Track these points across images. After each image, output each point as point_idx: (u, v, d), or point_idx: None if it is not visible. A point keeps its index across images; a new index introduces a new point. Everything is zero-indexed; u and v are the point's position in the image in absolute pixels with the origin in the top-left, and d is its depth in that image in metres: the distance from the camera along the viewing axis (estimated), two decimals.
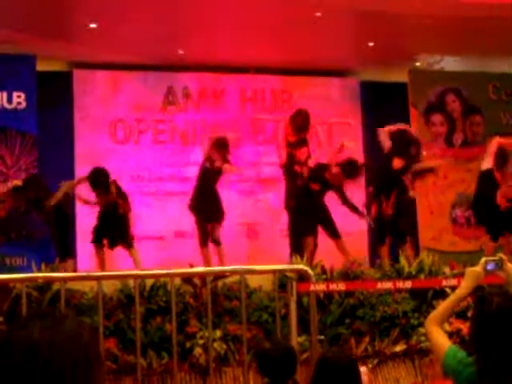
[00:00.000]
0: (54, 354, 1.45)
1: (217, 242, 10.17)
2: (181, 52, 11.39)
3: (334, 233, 10.25)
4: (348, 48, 11.76)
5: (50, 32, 10.34)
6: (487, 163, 10.34)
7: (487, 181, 10.29)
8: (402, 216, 10.39)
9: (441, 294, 8.40)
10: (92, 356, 1.51)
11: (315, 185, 10.14)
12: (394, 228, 10.32)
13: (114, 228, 9.78)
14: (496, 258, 3.78)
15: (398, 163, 10.23)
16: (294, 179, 10.48)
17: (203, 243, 10.15)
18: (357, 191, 11.42)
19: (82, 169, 10.59)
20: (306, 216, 10.08)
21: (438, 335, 3.62)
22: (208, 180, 10.22)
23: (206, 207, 10.16)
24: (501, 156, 10.37)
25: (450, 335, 7.11)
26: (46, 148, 10.72)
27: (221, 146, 10.28)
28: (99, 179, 9.70)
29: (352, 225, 12.09)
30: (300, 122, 10.55)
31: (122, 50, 11.22)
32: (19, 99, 10.67)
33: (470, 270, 3.73)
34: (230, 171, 10.44)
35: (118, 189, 9.85)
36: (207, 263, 9.88)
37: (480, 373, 3.31)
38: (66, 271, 8.74)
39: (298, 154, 10.43)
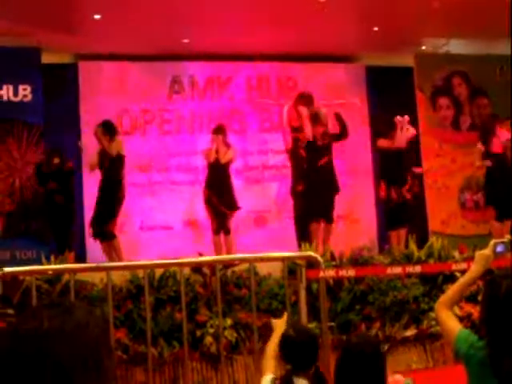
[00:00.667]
0: (64, 343, 1.44)
1: (227, 231, 10.19)
2: (186, 41, 11.36)
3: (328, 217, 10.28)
4: (353, 33, 11.70)
5: (54, 24, 10.32)
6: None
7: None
8: (412, 202, 10.47)
9: (451, 279, 8.38)
10: (102, 345, 1.50)
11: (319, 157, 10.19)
12: (405, 214, 10.37)
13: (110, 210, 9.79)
14: (505, 239, 3.77)
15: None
16: (299, 164, 10.46)
17: (216, 232, 10.16)
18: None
19: (88, 160, 10.58)
20: (313, 201, 10.08)
21: (449, 319, 3.61)
22: (218, 171, 10.21)
23: (220, 197, 10.15)
24: None
25: (461, 319, 7.09)
26: (53, 140, 10.72)
27: (218, 131, 10.31)
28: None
29: (361, 211, 12.11)
30: (304, 106, 10.53)
31: (127, 41, 11.19)
32: (25, 92, 10.66)
33: (479, 254, 3.72)
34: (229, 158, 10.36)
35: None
36: (218, 252, 9.89)
37: (491, 356, 3.31)
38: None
39: (303, 138, 10.41)
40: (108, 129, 9.76)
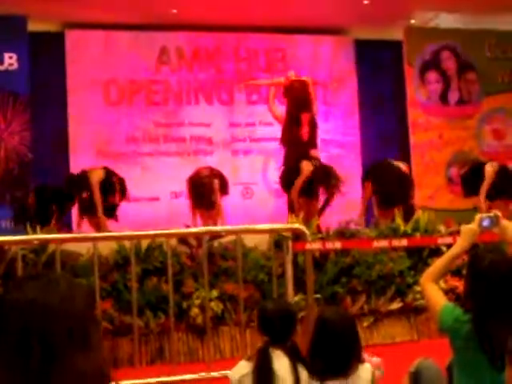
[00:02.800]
0: (49, 315, 1.44)
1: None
2: (174, 11, 11.27)
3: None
4: (343, 6, 11.64)
5: None
6: None
7: None
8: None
9: (436, 253, 8.42)
10: (88, 317, 1.49)
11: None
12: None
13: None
14: (491, 214, 3.77)
15: None
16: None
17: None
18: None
19: (75, 130, 10.53)
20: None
21: (434, 292, 3.63)
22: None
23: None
24: None
25: (446, 293, 7.12)
26: (39, 109, 10.64)
27: None
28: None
29: (348, 184, 12.11)
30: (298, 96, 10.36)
31: (114, 10, 11.10)
32: (11, 60, 10.56)
33: (465, 228, 3.73)
34: None
35: None
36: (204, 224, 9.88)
37: (476, 329, 3.33)
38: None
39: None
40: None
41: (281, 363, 3.78)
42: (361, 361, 3.75)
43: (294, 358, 3.81)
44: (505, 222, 3.76)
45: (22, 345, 1.41)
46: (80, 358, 1.43)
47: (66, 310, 1.45)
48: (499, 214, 3.78)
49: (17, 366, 1.40)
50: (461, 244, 3.69)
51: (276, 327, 3.88)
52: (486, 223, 3.72)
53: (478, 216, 3.78)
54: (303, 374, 3.75)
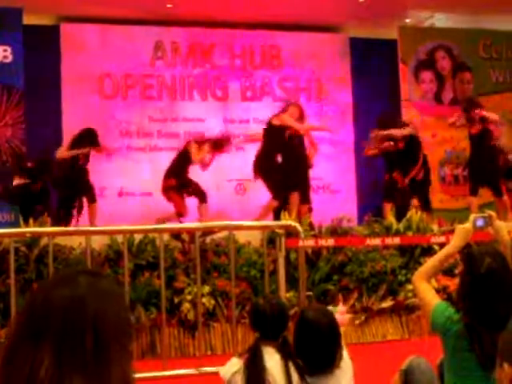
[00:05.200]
0: (101, 313, 1.44)
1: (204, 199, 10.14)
2: (169, 6, 11.25)
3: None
4: (338, 4, 11.64)
5: None
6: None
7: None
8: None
9: (428, 251, 8.45)
10: (129, 321, 1.52)
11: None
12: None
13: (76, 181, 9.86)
14: (485, 214, 3.79)
15: None
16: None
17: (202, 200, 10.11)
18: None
19: (69, 123, 10.51)
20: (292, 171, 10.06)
21: (426, 290, 3.64)
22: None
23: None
24: None
25: (437, 292, 7.14)
26: (33, 102, 10.61)
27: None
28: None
29: (341, 182, 12.14)
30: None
31: (110, 4, 11.07)
32: (5, 53, 10.52)
33: (459, 228, 3.74)
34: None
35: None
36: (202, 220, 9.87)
37: (468, 329, 3.34)
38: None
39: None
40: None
41: (272, 360, 3.78)
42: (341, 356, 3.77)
43: (286, 354, 3.81)
44: (498, 222, 3.78)
45: (78, 339, 1.41)
46: (123, 361, 1.44)
47: (117, 312, 1.47)
48: (493, 214, 3.80)
49: (72, 359, 1.40)
50: (454, 243, 3.70)
51: (268, 324, 3.88)
52: (479, 223, 3.73)
53: (472, 216, 3.79)
54: (294, 370, 3.76)
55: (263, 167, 10.05)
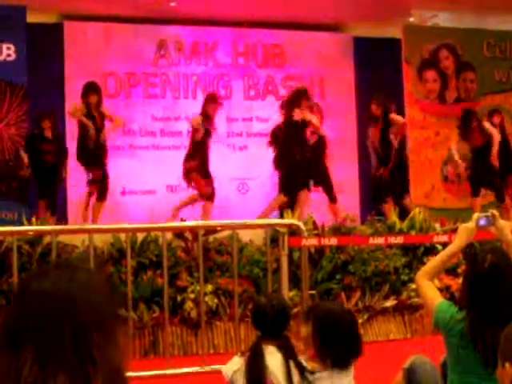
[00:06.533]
0: (79, 305, 1.43)
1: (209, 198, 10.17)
2: (173, 4, 11.24)
3: (330, 196, 10.41)
4: (342, 3, 11.62)
5: None
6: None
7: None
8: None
9: (431, 251, 8.44)
10: (114, 310, 1.51)
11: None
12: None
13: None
14: (488, 213, 3.78)
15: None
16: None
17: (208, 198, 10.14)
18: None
19: (72, 122, 10.50)
20: (299, 170, 10.11)
21: (429, 289, 3.64)
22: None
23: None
24: None
25: (440, 291, 7.14)
26: (37, 101, 10.61)
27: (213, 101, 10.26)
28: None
29: (344, 181, 12.12)
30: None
31: (113, 2, 11.06)
32: (9, 51, 10.52)
33: (463, 227, 3.74)
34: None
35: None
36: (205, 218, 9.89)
37: (471, 328, 3.34)
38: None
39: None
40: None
41: (273, 358, 3.79)
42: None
43: (287, 353, 3.82)
44: (502, 222, 3.77)
45: (56, 331, 1.41)
46: (109, 352, 1.44)
47: (96, 302, 1.46)
48: (496, 213, 3.79)
49: (53, 357, 1.40)
50: (458, 243, 3.70)
51: (269, 322, 3.89)
52: (482, 222, 3.73)
53: (475, 215, 3.78)
54: (295, 369, 3.77)
55: (283, 161, 10.18)
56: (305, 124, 10.18)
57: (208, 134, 10.12)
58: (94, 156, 9.95)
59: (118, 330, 1.49)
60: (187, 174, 9.98)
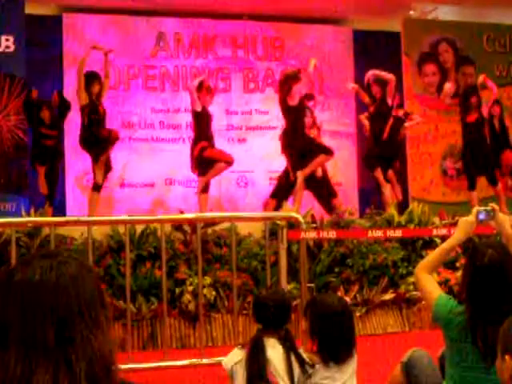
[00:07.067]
0: (61, 294, 1.44)
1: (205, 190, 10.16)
2: None
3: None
4: None
5: None
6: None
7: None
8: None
9: (430, 244, 8.46)
10: (97, 298, 1.51)
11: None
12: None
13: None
14: (488, 207, 3.78)
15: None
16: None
17: (203, 190, 10.09)
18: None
19: (71, 113, 10.48)
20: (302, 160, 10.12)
21: (428, 282, 3.64)
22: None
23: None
24: None
25: (438, 285, 7.15)
26: (36, 92, 10.58)
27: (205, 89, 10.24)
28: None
29: (343, 175, 12.13)
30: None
31: None
32: (7, 42, 10.50)
33: (462, 220, 3.73)
34: None
35: None
36: (201, 210, 9.87)
37: (471, 321, 3.34)
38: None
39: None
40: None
41: (274, 351, 3.80)
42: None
43: (288, 346, 3.82)
44: (501, 216, 3.77)
45: (37, 323, 1.42)
46: (93, 338, 1.44)
47: (77, 291, 1.46)
48: (496, 207, 3.79)
49: (34, 345, 1.40)
50: (457, 236, 3.70)
51: (270, 315, 3.90)
52: (482, 216, 3.72)
53: (475, 209, 3.78)
54: (296, 362, 3.77)
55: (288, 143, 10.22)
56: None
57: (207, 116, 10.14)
58: (98, 144, 9.92)
59: (104, 318, 1.50)
60: (201, 156, 9.91)
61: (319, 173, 10.50)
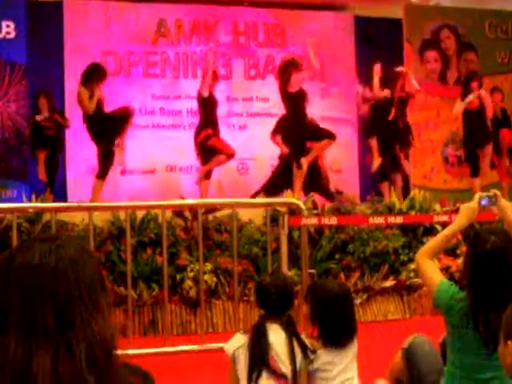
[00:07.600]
0: (60, 278, 1.44)
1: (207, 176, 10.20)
2: None
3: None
4: None
5: None
6: None
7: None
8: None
9: (431, 231, 8.45)
10: (96, 282, 1.50)
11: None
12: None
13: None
14: (490, 193, 3.77)
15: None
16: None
17: (206, 176, 10.14)
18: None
19: (71, 99, 10.47)
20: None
21: (430, 268, 3.64)
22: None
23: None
24: None
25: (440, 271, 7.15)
26: (36, 78, 10.56)
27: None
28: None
29: (343, 161, 12.11)
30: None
31: None
32: (8, 28, 10.47)
33: (465, 206, 3.72)
34: None
35: None
36: (203, 197, 9.89)
37: (472, 307, 3.34)
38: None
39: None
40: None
41: (277, 337, 3.80)
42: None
43: (290, 332, 3.83)
44: (504, 202, 3.76)
45: (37, 307, 1.41)
46: (93, 322, 1.44)
47: (76, 274, 1.46)
48: (498, 193, 3.78)
49: (34, 328, 1.40)
50: (459, 222, 3.69)
51: (273, 301, 3.91)
52: (484, 202, 3.72)
53: (477, 195, 3.77)
54: (298, 347, 3.78)
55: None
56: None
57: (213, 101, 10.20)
58: (102, 129, 9.96)
59: (104, 302, 1.49)
60: (204, 144, 9.95)
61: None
